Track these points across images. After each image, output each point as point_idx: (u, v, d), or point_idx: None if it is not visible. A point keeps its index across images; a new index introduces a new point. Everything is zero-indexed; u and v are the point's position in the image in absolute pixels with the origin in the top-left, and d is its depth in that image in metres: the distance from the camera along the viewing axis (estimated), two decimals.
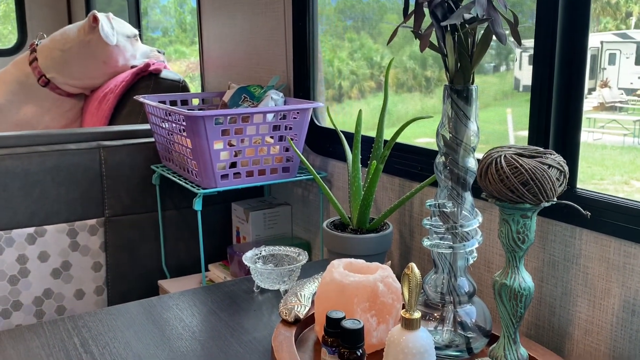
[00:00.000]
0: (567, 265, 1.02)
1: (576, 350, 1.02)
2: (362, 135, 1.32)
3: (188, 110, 1.55)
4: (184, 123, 1.44)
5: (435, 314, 0.98)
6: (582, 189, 1.02)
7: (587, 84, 1.01)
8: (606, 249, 0.96)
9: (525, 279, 0.81)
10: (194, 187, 1.50)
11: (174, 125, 1.52)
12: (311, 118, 1.61)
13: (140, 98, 1.72)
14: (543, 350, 0.94)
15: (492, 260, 1.17)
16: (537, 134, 1.06)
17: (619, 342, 0.95)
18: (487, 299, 1.10)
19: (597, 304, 0.98)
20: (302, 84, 1.71)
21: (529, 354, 0.85)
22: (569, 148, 1.02)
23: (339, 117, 2.37)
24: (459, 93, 0.90)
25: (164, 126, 1.61)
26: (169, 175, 1.65)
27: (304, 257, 1.24)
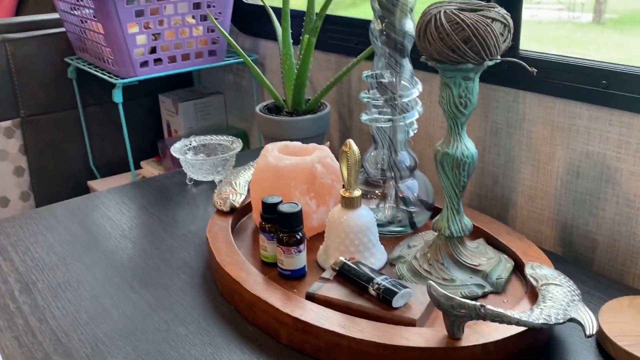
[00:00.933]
0: (511, 132, 0.98)
1: (519, 217, 1.01)
2: (291, 10, 1.21)
3: None
4: (93, 6, 1.28)
5: (377, 192, 0.94)
6: (525, 50, 0.96)
7: None
8: (550, 111, 0.92)
9: (468, 146, 0.77)
10: (112, 78, 1.37)
11: (84, 10, 1.37)
12: None
13: None
14: (487, 219, 0.91)
15: (434, 133, 1.12)
16: None
17: (563, 205, 0.94)
18: (430, 173, 1.06)
19: (541, 169, 0.95)
20: None
21: (473, 224, 0.82)
22: (512, 2, 0.94)
23: None
24: None
25: (74, 13, 1.45)
26: (84, 67, 1.51)
27: (237, 145, 1.16)
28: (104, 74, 1.41)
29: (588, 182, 0.90)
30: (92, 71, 1.46)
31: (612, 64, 0.84)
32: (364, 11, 1.93)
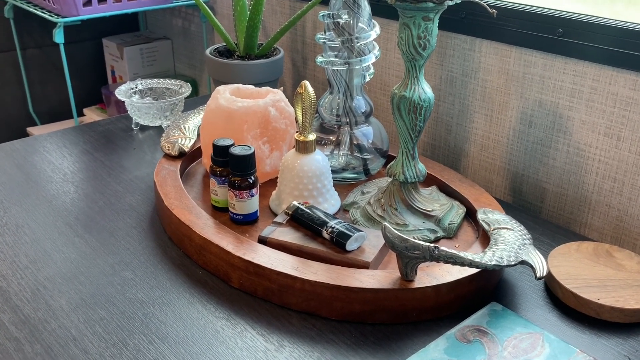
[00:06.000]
0: (466, 81, 0.98)
1: (471, 166, 1.01)
2: None
3: None
4: None
5: (331, 138, 0.92)
6: None
7: None
8: (506, 59, 0.91)
9: (425, 90, 0.75)
10: (53, 17, 1.29)
11: None
12: None
13: None
14: (440, 167, 0.91)
15: (389, 81, 1.10)
16: None
17: (514, 154, 0.94)
18: (383, 124, 1.05)
19: (495, 119, 0.95)
20: None
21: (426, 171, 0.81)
22: None
23: None
24: None
25: None
26: (22, 5, 1.41)
27: (186, 89, 1.12)
28: (44, 13, 1.32)
29: (540, 131, 0.90)
30: (31, 9, 1.38)
31: (568, 12, 0.84)
32: None
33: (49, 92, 1.65)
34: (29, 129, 1.61)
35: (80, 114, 1.66)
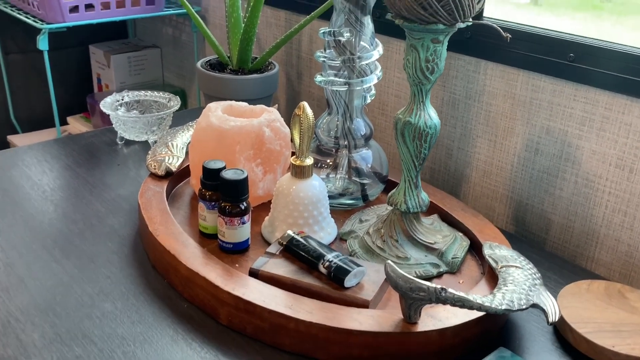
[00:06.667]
0: (469, 104, 0.93)
1: (472, 193, 0.97)
2: None
3: None
4: None
5: (328, 161, 0.87)
6: (488, 17, 0.91)
7: None
8: (513, 83, 0.87)
9: (431, 115, 0.71)
10: (38, 22, 1.23)
11: None
12: None
13: None
14: (441, 194, 0.87)
15: (387, 102, 1.06)
16: None
17: (518, 182, 0.90)
18: (381, 145, 1.00)
19: (499, 144, 0.91)
20: None
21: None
22: None
23: None
24: None
25: None
26: (6, 9, 1.35)
27: (175, 103, 1.07)
28: (28, 18, 1.27)
29: (547, 159, 0.86)
30: (14, 14, 1.32)
31: (580, 36, 0.80)
32: None
33: (31, 99, 1.59)
34: (9, 137, 1.55)
35: (64, 122, 1.60)
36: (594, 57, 0.78)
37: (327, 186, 0.83)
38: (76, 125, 1.57)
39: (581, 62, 0.79)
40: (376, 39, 0.82)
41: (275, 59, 1.25)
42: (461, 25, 0.65)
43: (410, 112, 0.71)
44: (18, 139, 1.53)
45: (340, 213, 0.85)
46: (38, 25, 1.22)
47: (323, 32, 0.81)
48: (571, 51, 0.80)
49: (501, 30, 0.65)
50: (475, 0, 0.64)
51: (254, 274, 0.69)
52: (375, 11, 0.79)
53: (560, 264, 0.80)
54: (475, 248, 0.78)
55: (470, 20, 0.66)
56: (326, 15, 1.03)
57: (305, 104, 0.74)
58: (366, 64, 0.81)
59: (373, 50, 0.81)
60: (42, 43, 1.21)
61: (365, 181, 0.87)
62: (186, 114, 1.21)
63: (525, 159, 0.88)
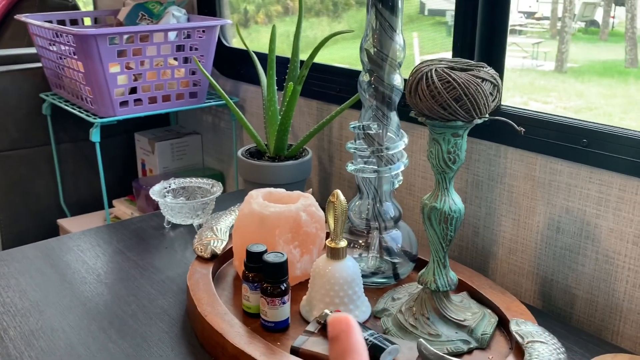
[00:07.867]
0: (492, 185, 1.00)
1: (500, 270, 1.01)
2: (276, 56, 1.22)
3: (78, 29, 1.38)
4: (74, 44, 1.27)
5: (360, 241, 0.93)
6: (506, 106, 0.98)
7: None
8: (532, 166, 0.94)
9: (455, 201, 0.77)
10: (90, 117, 1.35)
11: (63, 47, 1.35)
12: (218, 38, 1.48)
13: (22, 17, 1.51)
14: (469, 272, 0.92)
15: (415, 183, 1.13)
16: (462, 51, 1.00)
17: (542, 259, 0.95)
18: (409, 223, 1.06)
19: (522, 223, 0.97)
20: None
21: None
22: (495, 62, 0.97)
23: (247, 42, 2.25)
24: (384, 2, 0.82)
25: (52, 49, 1.44)
26: (60, 104, 1.48)
27: (218, 189, 1.16)
28: (82, 112, 1.39)
29: (568, 237, 0.91)
30: (68, 108, 1.44)
31: (592, 123, 0.87)
32: (335, 52, 1.97)
33: (79, 184, 1.70)
34: (59, 221, 1.65)
35: (110, 205, 1.70)
36: (606, 142, 0.84)
37: (359, 265, 0.89)
38: (121, 207, 1.67)
39: (594, 147, 0.86)
40: (402, 130, 0.90)
41: (308, 144, 1.34)
42: (478, 121, 0.72)
43: (436, 198, 0.77)
44: (67, 223, 1.63)
45: (373, 291, 0.91)
46: (91, 119, 1.34)
47: (353, 127, 0.89)
48: (584, 137, 0.86)
49: (515, 125, 0.73)
50: (490, 99, 0.72)
51: (295, 351, 0.74)
52: (401, 100, 0.87)
53: (586, 338, 0.83)
54: (503, 323, 0.82)
55: (487, 116, 0.73)
56: (355, 104, 1.12)
57: (338, 191, 0.81)
58: (393, 153, 0.89)
59: (399, 141, 0.89)
60: (95, 135, 1.32)
61: (396, 260, 0.92)
62: (226, 198, 1.30)
63: (548, 236, 0.94)
